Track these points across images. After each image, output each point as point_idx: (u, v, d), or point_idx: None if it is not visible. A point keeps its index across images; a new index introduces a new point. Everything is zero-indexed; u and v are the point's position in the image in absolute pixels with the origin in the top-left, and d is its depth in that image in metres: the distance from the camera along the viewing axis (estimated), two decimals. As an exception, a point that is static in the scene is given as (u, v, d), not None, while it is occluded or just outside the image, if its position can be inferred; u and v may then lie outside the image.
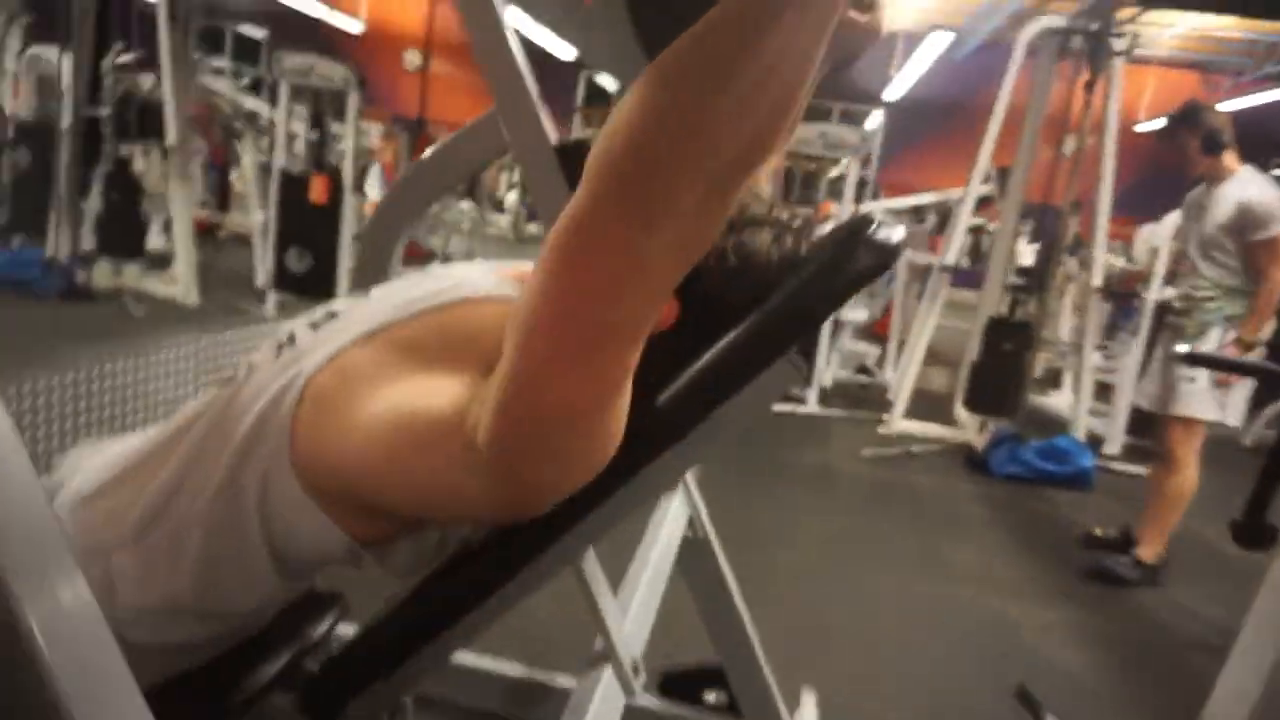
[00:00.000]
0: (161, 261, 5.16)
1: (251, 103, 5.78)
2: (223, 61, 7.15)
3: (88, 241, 5.08)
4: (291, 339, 0.81)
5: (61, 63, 4.71)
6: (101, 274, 4.90)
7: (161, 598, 0.80)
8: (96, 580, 0.80)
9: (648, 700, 1.64)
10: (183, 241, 4.99)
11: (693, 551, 1.52)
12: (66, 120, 4.85)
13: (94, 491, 0.85)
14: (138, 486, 0.82)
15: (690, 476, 1.53)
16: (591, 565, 0.97)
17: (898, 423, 4.45)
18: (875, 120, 9.48)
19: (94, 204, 5.06)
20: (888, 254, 0.73)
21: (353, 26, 11.89)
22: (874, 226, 0.74)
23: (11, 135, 5.41)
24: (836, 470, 3.89)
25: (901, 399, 4.50)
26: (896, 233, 0.74)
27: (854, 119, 8.76)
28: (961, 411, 4.48)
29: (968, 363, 4.32)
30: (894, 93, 10.14)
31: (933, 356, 4.85)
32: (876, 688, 2.10)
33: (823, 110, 7.28)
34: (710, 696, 1.73)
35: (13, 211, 5.57)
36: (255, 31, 9.28)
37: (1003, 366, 4.12)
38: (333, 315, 0.83)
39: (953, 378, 5.00)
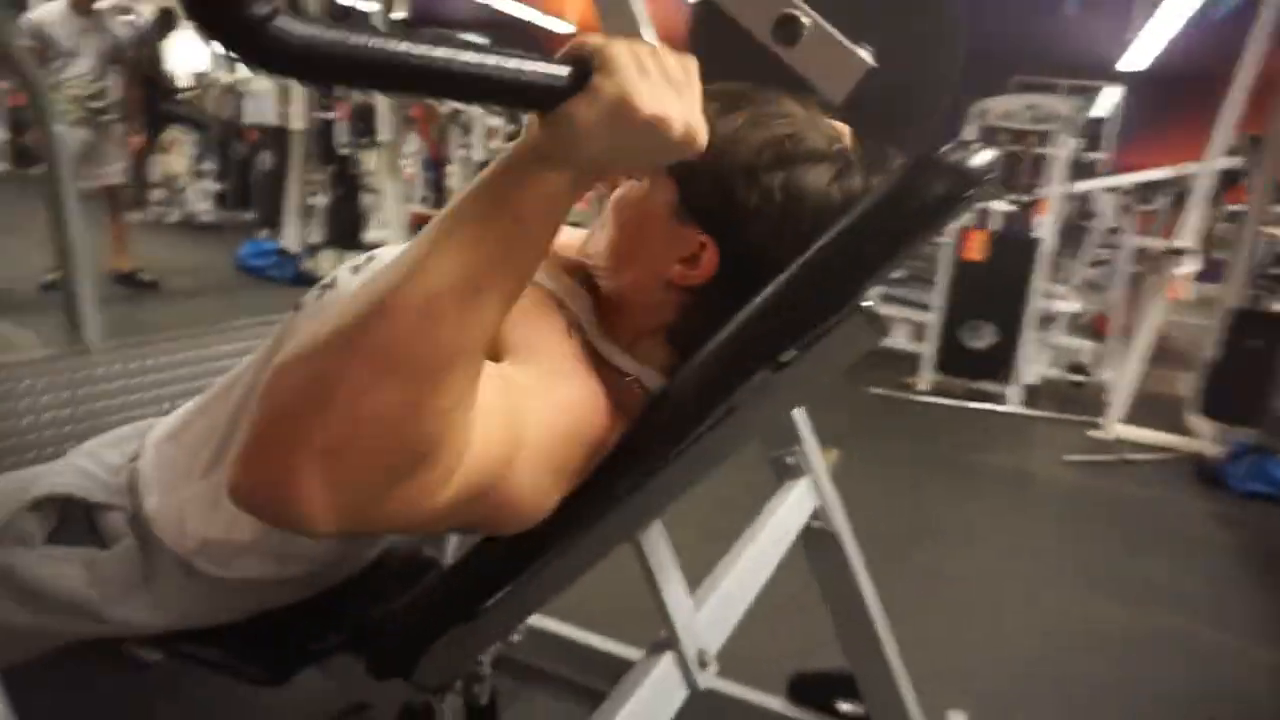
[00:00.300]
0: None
1: (454, 102, 6.14)
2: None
3: (318, 234, 5.63)
4: (333, 282, 0.80)
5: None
6: (324, 261, 5.39)
7: (225, 531, 0.82)
8: (172, 511, 0.83)
9: (715, 685, 1.53)
10: (395, 230, 5.39)
11: (818, 545, 1.39)
12: (300, 124, 5.39)
13: (177, 427, 0.89)
14: (210, 422, 0.85)
15: (820, 462, 1.41)
16: (655, 541, 0.89)
17: (1113, 426, 3.96)
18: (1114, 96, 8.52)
19: (321, 199, 5.60)
20: (963, 178, 0.60)
21: (564, 28, 12.41)
22: (949, 148, 0.61)
23: (256, 140, 6.10)
24: (1032, 474, 3.53)
25: (1119, 400, 4.00)
26: (980, 155, 0.60)
27: (1089, 95, 7.91)
28: (1196, 418, 3.92)
29: (1205, 362, 3.77)
30: (1135, 63, 9.04)
31: (1167, 356, 4.29)
32: (1043, 717, 1.86)
33: (1044, 86, 6.64)
34: (846, 707, 1.59)
35: (258, 208, 6.29)
36: (475, 39, 9.93)
37: (1248, 366, 3.55)
38: (372, 260, 0.81)
39: (1190, 380, 4.40)
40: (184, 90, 7.21)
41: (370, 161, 5.74)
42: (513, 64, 0.46)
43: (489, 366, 0.61)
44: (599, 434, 0.68)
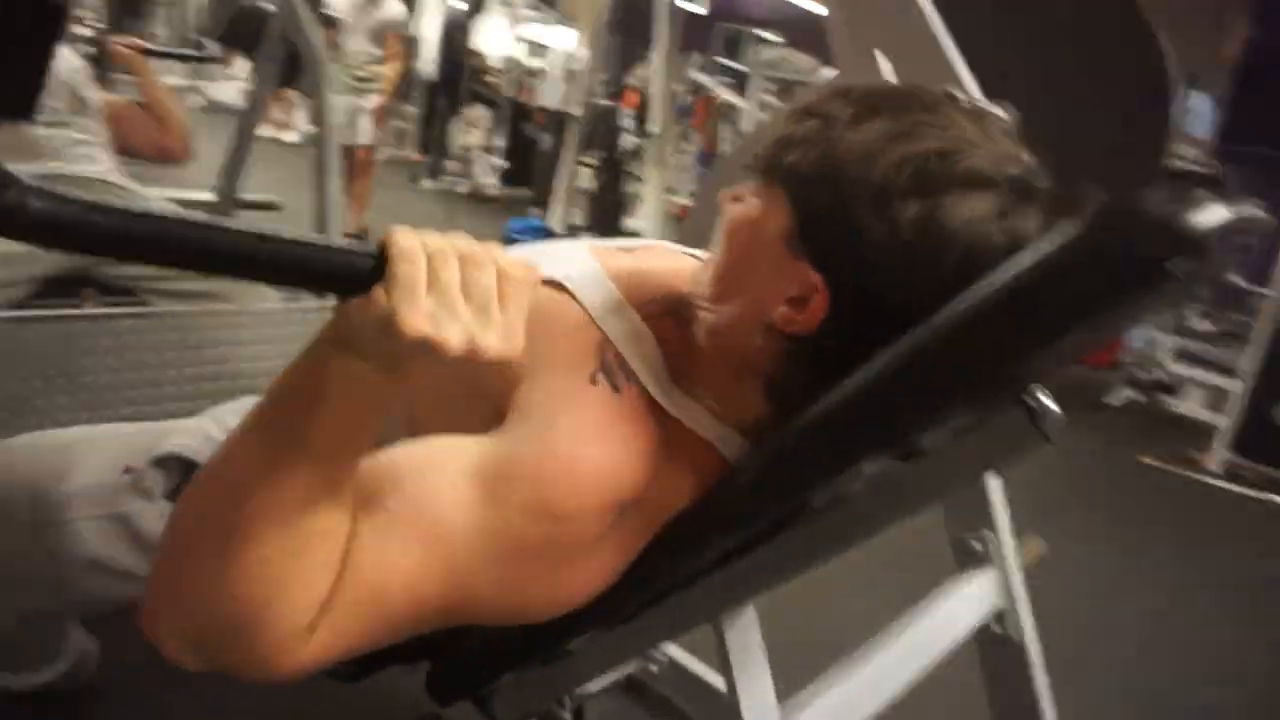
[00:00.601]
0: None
1: (730, 96, 6.11)
2: (732, 63, 7.74)
3: (580, 216, 5.88)
4: None
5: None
6: (583, 244, 5.62)
7: None
8: None
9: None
10: (649, 220, 5.47)
11: (996, 653, 1.16)
12: (577, 110, 5.62)
13: None
14: None
15: (1012, 554, 1.17)
16: (743, 628, 0.75)
17: None
18: None
19: (590, 183, 5.83)
20: (1172, 242, 0.40)
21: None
22: (1159, 195, 0.41)
23: (543, 121, 6.48)
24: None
25: None
26: (1206, 211, 0.40)
27: None
28: None
29: None
30: None
31: None
32: None
33: None
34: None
35: (535, 186, 6.68)
36: (772, 36, 9.89)
37: None
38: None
39: None
40: (490, 71, 7.80)
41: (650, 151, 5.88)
42: (298, 250, 0.45)
43: (431, 459, 0.59)
44: (628, 495, 0.59)
